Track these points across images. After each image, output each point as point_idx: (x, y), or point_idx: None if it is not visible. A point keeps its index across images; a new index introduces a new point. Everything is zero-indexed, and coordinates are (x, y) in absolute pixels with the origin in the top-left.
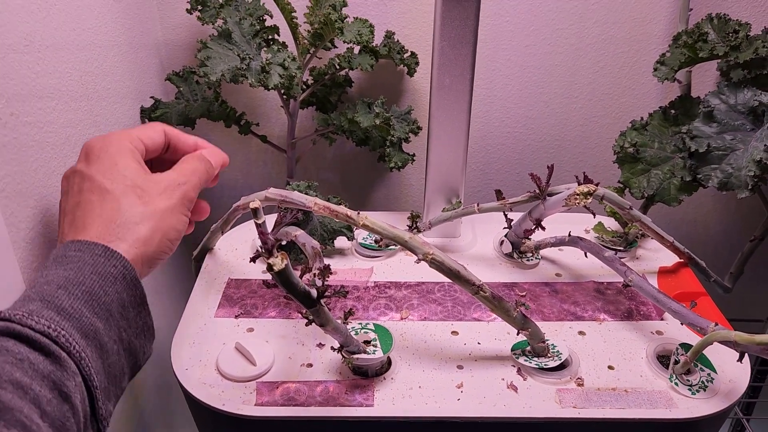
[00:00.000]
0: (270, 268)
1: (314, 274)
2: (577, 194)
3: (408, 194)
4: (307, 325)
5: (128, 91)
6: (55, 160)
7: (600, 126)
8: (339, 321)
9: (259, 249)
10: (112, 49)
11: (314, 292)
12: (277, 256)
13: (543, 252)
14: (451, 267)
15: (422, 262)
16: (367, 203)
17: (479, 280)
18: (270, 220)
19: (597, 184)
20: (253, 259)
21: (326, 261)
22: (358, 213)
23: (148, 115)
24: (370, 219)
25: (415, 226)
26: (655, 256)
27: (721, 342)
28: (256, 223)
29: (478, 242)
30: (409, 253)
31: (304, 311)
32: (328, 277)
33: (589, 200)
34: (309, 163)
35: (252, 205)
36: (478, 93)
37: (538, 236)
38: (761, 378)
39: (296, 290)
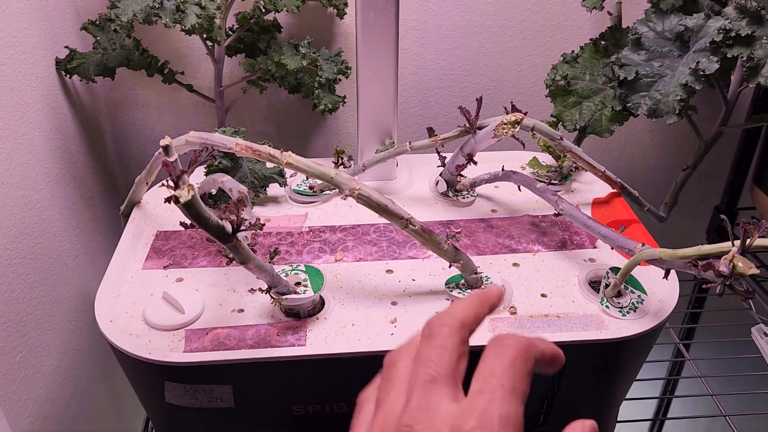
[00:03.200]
0: (176, 200)
1: (229, 210)
2: (505, 123)
3: (346, 142)
4: (228, 264)
5: (39, 40)
6: None
7: (535, 64)
8: (264, 261)
9: (165, 183)
10: None
11: (229, 227)
12: (183, 188)
13: (479, 189)
14: (379, 201)
15: (355, 202)
16: (305, 152)
17: (408, 214)
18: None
19: (525, 113)
20: (167, 200)
21: (259, 209)
22: (282, 151)
23: (63, 66)
24: (294, 157)
25: (340, 162)
26: (590, 188)
27: (648, 261)
28: (165, 161)
29: (415, 183)
30: (345, 197)
31: (223, 250)
32: (243, 210)
33: (517, 129)
34: (242, 114)
35: (162, 143)
36: (411, 35)
37: (472, 173)
38: (699, 305)
39: (208, 224)
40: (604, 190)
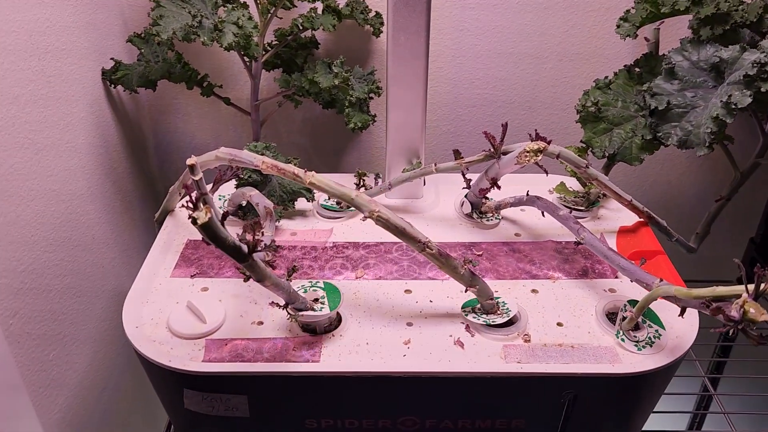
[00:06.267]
0: (194, 221)
1: (246, 230)
2: (528, 151)
3: (379, 157)
4: (245, 281)
5: (87, 51)
6: (1, 121)
7: (571, 87)
8: (282, 278)
9: (185, 204)
10: (67, 9)
11: (245, 247)
12: (201, 210)
13: (504, 212)
14: (397, 224)
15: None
16: (339, 167)
17: (425, 237)
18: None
19: (549, 142)
20: (191, 217)
21: (287, 222)
22: (305, 171)
23: (109, 77)
24: (317, 177)
25: (362, 184)
26: (617, 216)
27: (663, 297)
28: (192, 179)
29: (441, 203)
30: None
31: (241, 268)
32: (260, 231)
33: (539, 157)
34: (278, 126)
35: (188, 162)
36: (445, 54)
37: (498, 196)
38: (731, 338)
39: (224, 244)
40: (631, 218)
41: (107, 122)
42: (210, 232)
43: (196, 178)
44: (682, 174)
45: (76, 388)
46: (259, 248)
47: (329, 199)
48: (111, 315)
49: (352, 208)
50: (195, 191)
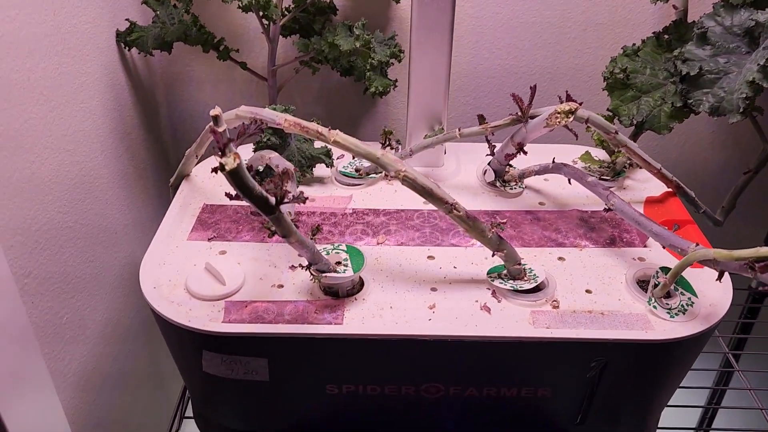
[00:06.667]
0: (222, 167)
1: (273, 182)
2: (559, 112)
3: (395, 128)
4: (270, 236)
5: (102, 10)
6: (16, 74)
7: (594, 57)
8: (306, 238)
9: (213, 147)
10: None
11: (272, 198)
12: (229, 156)
13: (527, 181)
14: (425, 184)
15: (401, 185)
16: (354, 136)
17: (453, 199)
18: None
19: (580, 104)
20: (214, 170)
21: (305, 188)
22: (329, 129)
23: (123, 38)
24: (341, 135)
25: (387, 142)
26: (643, 186)
27: (701, 262)
28: (213, 129)
29: (462, 171)
30: (390, 181)
31: (266, 223)
32: (287, 183)
33: (570, 119)
34: (293, 94)
35: (212, 113)
36: (466, 22)
37: (522, 165)
38: (753, 315)
39: (252, 194)
40: (658, 189)
41: (121, 85)
42: (238, 179)
43: (220, 129)
44: (705, 149)
45: (89, 354)
46: (287, 199)
47: (353, 158)
48: (124, 283)
49: (372, 176)
50: (222, 138)
